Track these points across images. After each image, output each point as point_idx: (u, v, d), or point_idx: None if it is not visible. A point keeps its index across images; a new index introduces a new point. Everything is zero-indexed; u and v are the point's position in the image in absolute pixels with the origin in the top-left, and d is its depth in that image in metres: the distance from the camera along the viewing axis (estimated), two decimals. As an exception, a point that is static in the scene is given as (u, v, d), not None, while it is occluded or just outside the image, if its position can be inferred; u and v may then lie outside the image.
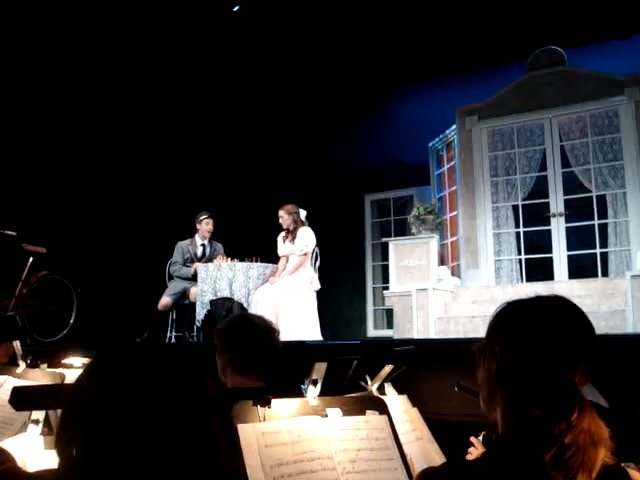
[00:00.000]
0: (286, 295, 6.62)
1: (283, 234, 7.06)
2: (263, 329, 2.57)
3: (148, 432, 1.07)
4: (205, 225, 7.51)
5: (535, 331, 1.33)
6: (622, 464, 1.31)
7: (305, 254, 6.88)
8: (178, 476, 1.09)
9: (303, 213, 7.01)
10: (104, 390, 1.11)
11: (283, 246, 7.03)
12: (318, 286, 6.96)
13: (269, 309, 6.34)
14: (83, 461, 1.07)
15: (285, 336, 6.18)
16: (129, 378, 1.12)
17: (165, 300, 7.36)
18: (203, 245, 7.58)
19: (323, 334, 6.80)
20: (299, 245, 6.87)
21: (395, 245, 8.17)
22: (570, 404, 1.20)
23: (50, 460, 1.82)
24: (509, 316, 1.39)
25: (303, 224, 6.97)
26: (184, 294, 7.41)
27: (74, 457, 1.09)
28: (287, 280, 6.77)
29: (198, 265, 7.22)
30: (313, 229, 7.00)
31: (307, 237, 6.90)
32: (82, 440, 1.08)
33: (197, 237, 7.58)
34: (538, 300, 1.40)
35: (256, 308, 6.46)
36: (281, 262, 7.06)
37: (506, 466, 1.20)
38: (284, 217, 6.94)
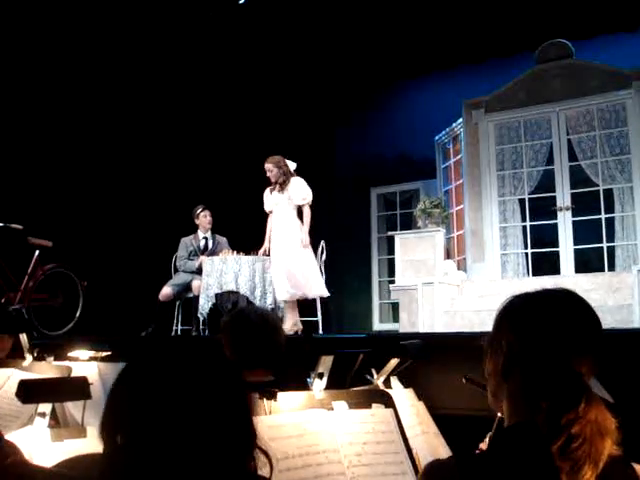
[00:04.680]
0: (288, 254, 6.50)
1: (269, 188, 6.77)
2: (259, 324, 2.54)
3: (185, 423, 1.08)
4: (203, 218, 7.56)
5: (542, 324, 1.33)
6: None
7: (308, 203, 6.60)
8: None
9: (292, 165, 6.76)
10: (147, 380, 1.12)
11: (270, 198, 6.72)
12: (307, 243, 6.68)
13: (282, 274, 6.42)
14: (128, 449, 1.08)
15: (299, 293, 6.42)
16: (169, 368, 1.13)
17: (166, 290, 7.36)
18: (205, 238, 7.62)
19: (328, 328, 6.79)
20: (299, 194, 6.58)
21: (401, 239, 8.16)
22: (577, 395, 1.21)
23: (57, 453, 1.82)
24: (516, 309, 1.39)
25: (293, 175, 6.69)
26: (187, 287, 7.41)
27: (119, 445, 1.09)
28: (280, 239, 6.58)
29: (204, 258, 7.23)
30: (319, 222, 6.92)
31: (304, 186, 6.62)
32: (127, 428, 1.09)
33: (199, 231, 7.64)
34: (545, 293, 1.40)
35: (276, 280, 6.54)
36: (270, 220, 6.79)
37: (513, 457, 1.20)
38: (273, 170, 6.64)
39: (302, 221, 6.68)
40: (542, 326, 1.33)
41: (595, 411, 1.20)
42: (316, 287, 6.58)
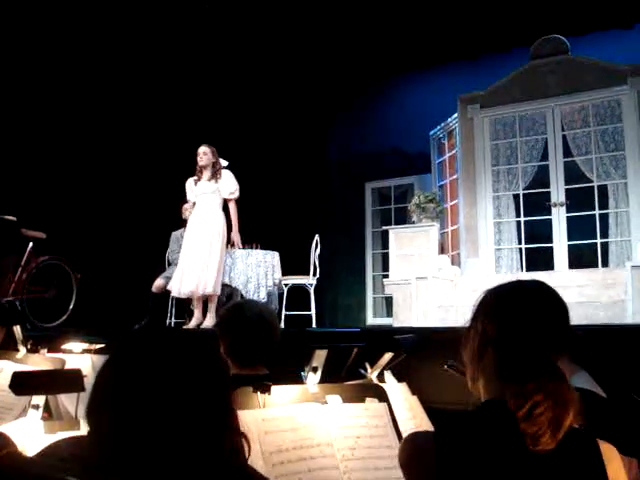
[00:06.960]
0: (206, 248, 6.16)
1: (193, 179, 6.44)
2: (255, 319, 2.53)
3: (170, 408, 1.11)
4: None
5: (511, 309, 1.51)
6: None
7: (236, 199, 6.36)
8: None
9: (224, 162, 6.49)
10: (133, 364, 1.16)
11: (195, 188, 6.39)
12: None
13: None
14: (113, 431, 1.11)
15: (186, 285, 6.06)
16: (153, 356, 1.17)
17: (159, 282, 7.29)
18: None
19: (322, 322, 6.77)
20: (228, 188, 6.33)
21: (395, 233, 8.17)
22: (541, 368, 1.35)
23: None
24: (489, 298, 1.60)
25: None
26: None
27: (104, 427, 1.12)
28: (200, 231, 6.25)
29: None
30: (313, 217, 6.90)
31: (234, 180, 6.38)
32: (113, 410, 1.12)
33: None
34: (515, 283, 1.59)
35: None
36: (193, 211, 6.48)
37: (482, 429, 1.35)
38: (207, 154, 6.32)
39: (225, 215, 6.39)
40: (511, 311, 1.50)
41: (557, 383, 1.33)
42: (215, 283, 6.16)
